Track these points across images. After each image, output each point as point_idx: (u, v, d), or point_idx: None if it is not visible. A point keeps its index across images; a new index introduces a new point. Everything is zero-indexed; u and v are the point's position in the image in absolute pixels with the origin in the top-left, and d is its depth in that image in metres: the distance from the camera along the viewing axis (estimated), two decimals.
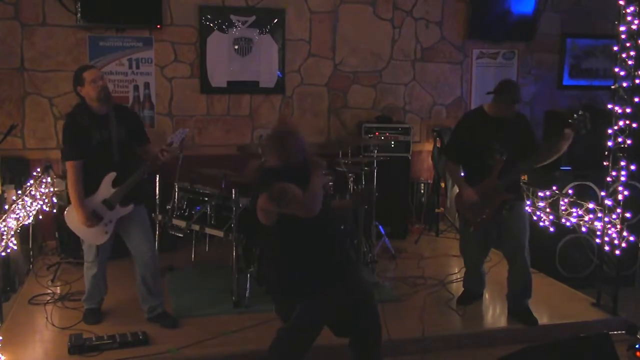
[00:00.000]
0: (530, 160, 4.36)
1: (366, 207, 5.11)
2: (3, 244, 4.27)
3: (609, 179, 4.63)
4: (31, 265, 5.41)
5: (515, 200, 4.43)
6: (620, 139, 4.53)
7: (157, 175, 5.27)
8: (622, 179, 4.55)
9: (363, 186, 5.49)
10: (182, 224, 5.00)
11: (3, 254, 4.30)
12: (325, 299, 3.28)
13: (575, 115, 4.22)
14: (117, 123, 4.11)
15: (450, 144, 4.79)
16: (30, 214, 5.01)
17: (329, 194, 5.13)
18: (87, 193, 4.08)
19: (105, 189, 4.10)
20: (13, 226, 4.52)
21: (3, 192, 5.14)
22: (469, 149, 4.48)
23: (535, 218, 5.22)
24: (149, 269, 4.27)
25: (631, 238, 4.59)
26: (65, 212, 4.24)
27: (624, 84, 4.55)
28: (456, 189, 4.90)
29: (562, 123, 4.35)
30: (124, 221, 4.22)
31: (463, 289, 4.90)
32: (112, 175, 4.10)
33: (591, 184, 5.64)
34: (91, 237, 4.18)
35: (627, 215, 4.57)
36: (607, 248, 4.68)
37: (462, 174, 4.63)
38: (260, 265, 4.63)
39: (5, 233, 4.31)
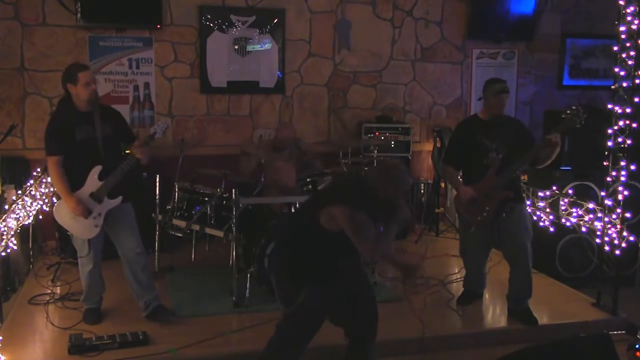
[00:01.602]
0: (525, 157, 4.36)
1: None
2: (3, 244, 4.27)
3: (609, 179, 4.63)
4: (31, 265, 5.41)
5: (515, 202, 4.43)
6: (620, 139, 4.53)
7: (157, 175, 5.27)
8: (622, 179, 4.55)
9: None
10: (182, 224, 5.00)
11: (3, 254, 4.30)
12: (333, 288, 3.30)
13: (568, 111, 4.24)
14: (101, 120, 4.15)
15: (448, 151, 4.84)
16: (30, 214, 5.01)
17: None
18: (74, 187, 4.09)
19: (92, 182, 4.12)
20: (13, 226, 4.52)
21: (3, 192, 5.14)
22: (466, 152, 4.51)
23: (535, 218, 5.22)
24: (139, 265, 4.31)
25: (631, 238, 4.59)
26: (54, 208, 4.26)
27: (624, 84, 4.55)
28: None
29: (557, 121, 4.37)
30: (111, 219, 4.24)
31: (463, 289, 4.90)
32: (97, 168, 4.12)
33: (591, 184, 5.64)
34: (82, 231, 4.19)
35: (627, 215, 4.57)
36: (607, 248, 4.67)
37: (461, 177, 4.64)
38: (263, 266, 4.61)
39: (5, 233, 4.31)
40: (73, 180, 4.11)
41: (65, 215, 4.14)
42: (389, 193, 3.31)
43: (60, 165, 4.08)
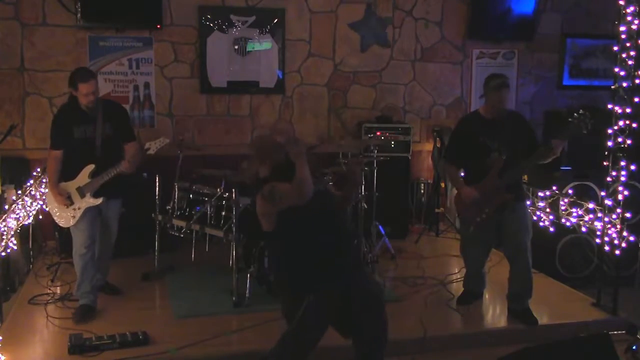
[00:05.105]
0: (530, 159, 4.35)
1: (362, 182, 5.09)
2: (3, 244, 4.28)
3: (609, 179, 4.63)
4: (31, 265, 5.41)
5: (516, 201, 4.42)
6: (620, 139, 4.53)
7: (157, 175, 5.28)
8: (622, 179, 4.55)
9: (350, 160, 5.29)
10: (182, 224, 5.01)
11: (3, 254, 4.31)
12: (329, 298, 3.26)
13: (575, 115, 4.21)
14: (103, 120, 4.38)
15: (449, 149, 4.82)
16: (30, 214, 5.02)
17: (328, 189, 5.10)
18: (67, 179, 4.42)
19: (82, 178, 4.39)
20: (13, 226, 4.53)
21: (3, 192, 5.14)
22: (467, 151, 4.49)
23: (535, 218, 5.22)
24: (108, 251, 4.69)
25: (631, 238, 4.59)
26: (46, 194, 4.61)
27: (624, 84, 4.55)
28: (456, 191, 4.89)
29: (562, 123, 4.36)
30: (104, 213, 4.54)
31: (463, 289, 4.90)
32: (91, 167, 4.38)
33: (591, 184, 5.64)
34: (61, 219, 4.48)
35: (627, 215, 4.57)
36: (607, 248, 4.67)
37: (462, 176, 4.63)
38: (263, 266, 4.63)
39: (5, 233, 4.32)
40: (68, 173, 4.41)
41: (52, 202, 4.47)
42: (270, 163, 3.35)
43: (57, 159, 4.41)
